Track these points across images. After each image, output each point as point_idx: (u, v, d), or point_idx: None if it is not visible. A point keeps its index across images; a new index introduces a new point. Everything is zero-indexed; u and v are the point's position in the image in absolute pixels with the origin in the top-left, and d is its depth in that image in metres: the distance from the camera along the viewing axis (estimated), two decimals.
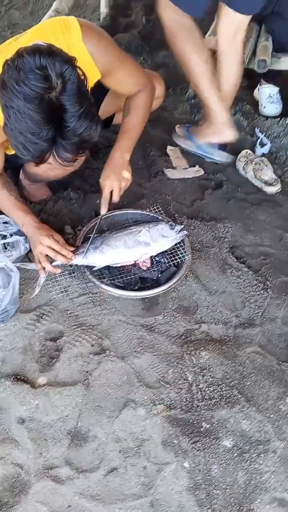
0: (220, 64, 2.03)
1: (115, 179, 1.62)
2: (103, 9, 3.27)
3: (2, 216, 1.68)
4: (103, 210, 1.65)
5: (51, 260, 1.56)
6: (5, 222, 1.67)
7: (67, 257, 1.56)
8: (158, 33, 3.21)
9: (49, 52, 1.13)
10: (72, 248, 1.61)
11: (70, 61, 1.14)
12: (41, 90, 1.10)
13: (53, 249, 1.54)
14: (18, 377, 1.42)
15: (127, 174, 1.64)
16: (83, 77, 1.16)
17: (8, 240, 1.62)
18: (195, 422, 1.36)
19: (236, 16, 1.89)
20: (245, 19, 1.92)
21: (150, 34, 3.20)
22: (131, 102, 1.67)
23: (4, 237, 1.63)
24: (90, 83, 1.25)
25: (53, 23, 1.42)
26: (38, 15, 3.38)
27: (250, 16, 1.93)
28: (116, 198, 1.65)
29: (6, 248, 1.63)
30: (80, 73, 1.16)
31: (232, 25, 1.93)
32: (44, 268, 1.55)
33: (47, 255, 1.55)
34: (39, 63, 1.10)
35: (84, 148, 1.22)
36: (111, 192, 1.65)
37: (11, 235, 1.64)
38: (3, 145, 1.50)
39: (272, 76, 2.51)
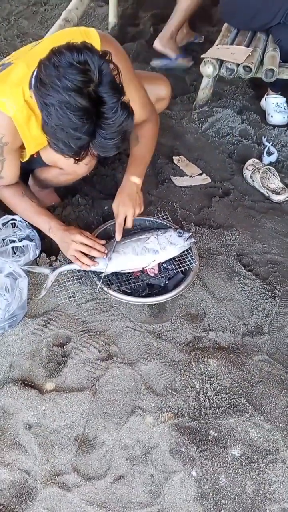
0: None
1: (130, 205, 1.64)
2: (112, 19, 3.30)
3: (12, 219, 1.69)
4: (118, 237, 1.66)
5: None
6: (15, 227, 1.67)
7: (101, 250, 1.59)
8: None
9: (86, 47, 1.16)
10: (103, 242, 1.64)
11: (105, 56, 1.17)
12: (81, 84, 1.12)
13: (87, 245, 1.57)
14: (26, 382, 1.42)
15: (140, 201, 1.67)
16: (116, 71, 1.19)
17: (17, 244, 1.63)
18: (202, 430, 1.35)
19: None
20: None
21: None
22: (139, 130, 1.69)
23: (13, 241, 1.63)
24: None
25: (74, 31, 1.46)
26: (47, 24, 3.42)
27: None
28: (130, 224, 1.66)
29: (15, 253, 1.63)
30: (114, 67, 1.18)
31: None
32: (83, 264, 1.59)
33: (81, 252, 1.57)
34: (77, 58, 1.13)
35: (122, 140, 1.24)
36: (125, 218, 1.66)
37: (20, 240, 1.64)
38: (18, 151, 1.51)
39: (279, 86, 2.53)
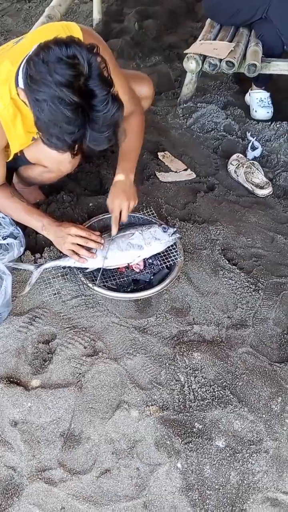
0: None
1: (124, 199, 1.65)
2: (96, 15, 3.30)
3: None
4: (114, 231, 1.67)
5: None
6: None
7: (97, 241, 1.60)
8: (150, 39, 3.26)
9: (74, 42, 1.16)
10: (98, 233, 1.66)
11: (93, 49, 1.17)
12: (72, 78, 1.13)
13: (82, 237, 1.59)
14: (11, 379, 1.42)
15: (134, 194, 1.67)
16: (104, 64, 1.19)
17: (1, 242, 1.62)
18: (187, 423, 1.36)
19: None
20: None
21: (142, 40, 3.24)
22: (126, 124, 1.70)
23: None
24: None
25: (55, 26, 1.45)
26: (31, 21, 3.41)
27: None
28: (125, 218, 1.67)
29: None
30: (101, 60, 1.19)
31: None
32: (79, 257, 1.60)
33: (78, 245, 1.59)
34: (66, 52, 1.13)
35: (114, 132, 1.24)
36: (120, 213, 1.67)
37: (4, 238, 1.64)
38: (4, 151, 1.51)
39: (263, 81, 2.55)
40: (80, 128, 1.18)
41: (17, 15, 3.56)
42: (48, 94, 1.14)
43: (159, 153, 2.29)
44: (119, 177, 1.68)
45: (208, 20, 2.63)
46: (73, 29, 1.43)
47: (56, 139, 1.21)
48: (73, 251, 1.60)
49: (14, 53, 1.42)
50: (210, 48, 2.35)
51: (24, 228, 1.71)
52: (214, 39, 2.47)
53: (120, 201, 1.65)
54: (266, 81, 2.57)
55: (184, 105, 2.56)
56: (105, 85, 1.17)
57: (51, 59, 1.13)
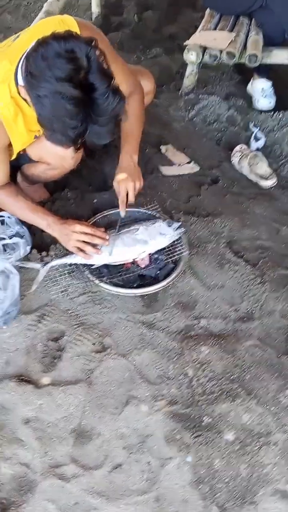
0: None
1: (130, 180, 1.65)
2: (95, 8, 3.28)
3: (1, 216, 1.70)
4: (123, 213, 1.68)
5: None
6: (4, 224, 1.68)
7: (102, 237, 1.61)
8: (150, 31, 3.24)
9: (72, 36, 1.17)
10: (103, 229, 1.67)
11: (91, 42, 1.18)
12: (72, 72, 1.13)
13: (87, 233, 1.60)
14: (22, 377, 1.44)
15: (139, 175, 1.68)
16: (103, 57, 1.20)
17: (7, 241, 1.64)
18: (196, 417, 1.37)
19: None
20: None
21: (142, 32, 3.22)
22: (126, 106, 1.69)
23: (3, 239, 1.64)
24: None
25: (52, 21, 1.45)
26: (31, 17, 3.40)
27: None
28: (132, 198, 1.67)
29: (5, 250, 1.64)
30: (100, 53, 1.19)
31: None
32: (85, 254, 1.61)
33: (83, 242, 1.59)
34: (64, 47, 1.14)
35: (115, 125, 1.26)
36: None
37: (10, 237, 1.65)
38: (7, 150, 1.52)
39: (265, 70, 2.53)
40: (83, 122, 1.18)
41: (16, 11, 3.55)
42: (49, 89, 1.15)
43: (161, 147, 2.28)
44: (123, 159, 1.69)
45: (208, 10, 2.61)
46: (70, 23, 1.43)
47: (59, 134, 1.22)
48: (78, 248, 1.61)
49: (12, 51, 1.42)
50: (210, 38, 2.34)
51: (29, 226, 1.72)
52: (214, 29, 2.45)
53: (126, 182, 1.65)
54: (267, 71, 2.55)
55: (186, 97, 2.55)
56: (105, 78, 1.17)
57: (50, 54, 1.14)
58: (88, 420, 1.37)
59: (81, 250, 1.61)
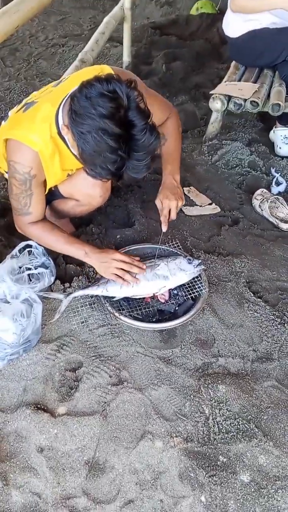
0: None
1: (173, 198, 1.75)
2: (126, 58, 3.48)
3: (27, 246, 1.76)
4: (165, 228, 1.77)
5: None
6: (31, 254, 1.74)
7: (140, 266, 1.68)
8: (177, 80, 3.40)
9: (113, 78, 1.28)
10: (138, 258, 1.75)
11: (130, 84, 1.28)
12: (113, 110, 1.23)
13: (126, 262, 1.67)
14: (39, 406, 1.45)
15: (181, 194, 1.79)
16: (141, 97, 1.29)
17: (33, 271, 1.69)
18: (212, 456, 1.36)
19: None
20: None
21: (170, 80, 3.38)
22: (163, 130, 1.81)
23: (29, 269, 1.70)
24: None
25: (90, 70, 1.58)
26: (65, 64, 3.61)
27: None
28: (174, 215, 1.77)
29: (31, 280, 1.69)
30: (138, 93, 1.29)
31: None
32: (123, 281, 1.66)
33: (122, 270, 1.66)
34: (107, 87, 1.25)
35: (152, 160, 1.34)
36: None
37: (35, 268, 1.70)
38: (43, 185, 1.60)
39: (286, 119, 2.62)
40: (122, 157, 1.27)
41: (52, 58, 3.78)
42: (92, 126, 1.25)
43: (184, 188, 2.35)
44: (166, 179, 1.81)
45: (233, 62, 2.75)
46: (106, 71, 1.55)
47: (100, 168, 1.30)
48: (117, 275, 1.65)
49: (54, 95, 1.53)
50: (235, 89, 2.45)
51: (54, 258, 1.77)
52: (239, 80, 2.57)
53: (168, 200, 1.75)
54: None
55: (210, 142, 2.65)
56: (143, 116, 1.27)
57: (94, 94, 1.24)
58: (101, 452, 1.36)
59: (120, 277, 1.65)
